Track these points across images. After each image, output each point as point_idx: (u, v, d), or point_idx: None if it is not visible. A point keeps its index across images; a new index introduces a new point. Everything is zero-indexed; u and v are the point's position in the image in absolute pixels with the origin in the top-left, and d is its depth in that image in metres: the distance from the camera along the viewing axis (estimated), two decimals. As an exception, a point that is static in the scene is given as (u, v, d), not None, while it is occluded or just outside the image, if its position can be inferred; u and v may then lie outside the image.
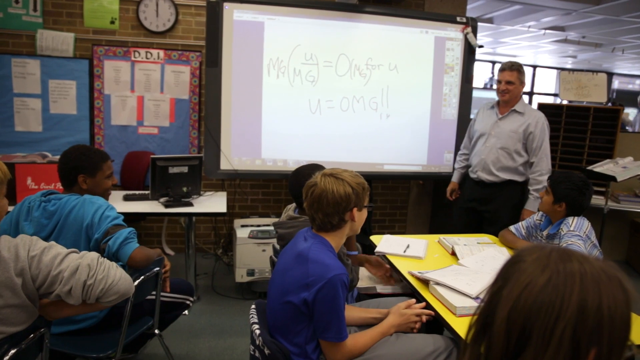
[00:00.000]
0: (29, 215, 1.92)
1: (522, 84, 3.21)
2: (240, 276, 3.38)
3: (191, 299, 2.29)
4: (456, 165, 3.63)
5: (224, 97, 3.64)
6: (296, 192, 2.10)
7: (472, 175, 3.38)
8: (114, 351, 1.88)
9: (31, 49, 3.87)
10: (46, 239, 1.70)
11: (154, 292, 2.05)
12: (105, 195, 2.08)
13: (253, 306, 1.77)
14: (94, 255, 1.50)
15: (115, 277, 1.47)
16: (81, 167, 2.00)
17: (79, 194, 1.98)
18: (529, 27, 7.34)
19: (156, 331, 2.07)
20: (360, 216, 1.70)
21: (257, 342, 1.62)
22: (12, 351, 1.36)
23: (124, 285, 1.50)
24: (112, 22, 3.95)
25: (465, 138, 3.60)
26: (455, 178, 3.61)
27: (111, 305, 1.52)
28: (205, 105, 3.71)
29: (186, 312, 2.30)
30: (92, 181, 2.02)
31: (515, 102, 3.21)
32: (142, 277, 1.86)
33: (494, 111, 3.31)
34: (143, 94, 4.02)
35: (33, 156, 3.17)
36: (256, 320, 1.69)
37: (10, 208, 1.97)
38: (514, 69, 3.16)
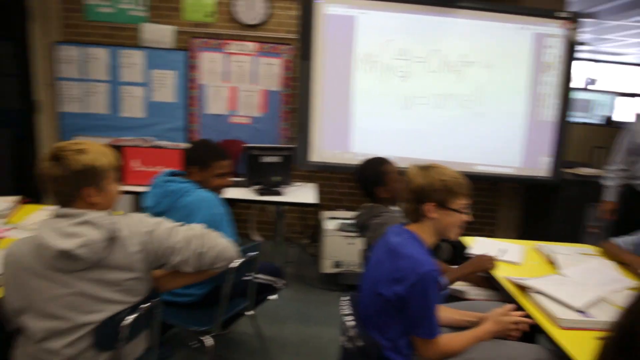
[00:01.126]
0: (151, 190, 2.11)
1: None
2: (327, 267, 3.43)
3: (281, 281, 2.37)
4: (611, 183, 3.28)
5: (315, 90, 3.70)
6: (360, 182, 2.33)
7: None
8: (212, 326, 2.01)
9: (136, 40, 4.14)
10: (158, 214, 1.83)
11: (247, 275, 2.13)
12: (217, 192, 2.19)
13: (345, 298, 1.78)
14: (201, 226, 1.63)
15: (223, 245, 1.61)
16: (194, 160, 2.15)
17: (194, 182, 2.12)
18: (638, 22, 6.75)
19: (252, 312, 2.16)
20: (444, 216, 1.62)
21: (350, 333, 1.63)
22: (131, 317, 1.48)
23: (231, 251, 1.64)
24: (209, 16, 4.13)
25: (620, 153, 3.23)
26: (612, 197, 3.27)
27: (219, 272, 1.65)
28: (298, 97, 3.79)
29: (276, 296, 2.37)
30: (202, 176, 2.15)
31: None
32: (241, 260, 1.94)
33: None
34: (236, 85, 4.18)
35: (137, 140, 3.40)
36: (349, 312, 1.71)
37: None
38: None
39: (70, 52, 4.08)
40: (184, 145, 3.95)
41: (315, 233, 4.33)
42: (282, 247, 3.27)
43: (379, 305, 1.60)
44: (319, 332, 2.85)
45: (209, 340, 2.03)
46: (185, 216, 1.93)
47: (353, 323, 1.64)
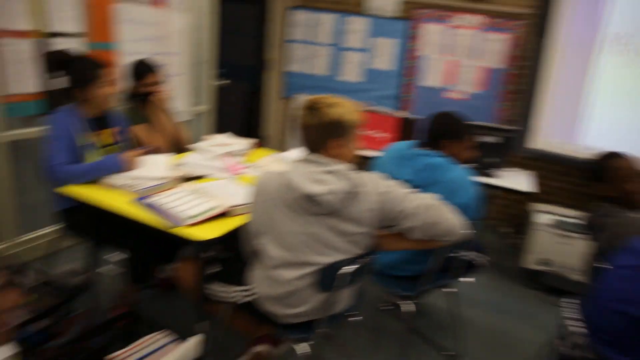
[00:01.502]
0: (403, 161, 2.11)
1: None
2: (530, 263, 3.15)
3: (485, 257, 2.26)
4: None
5: (547, 71, 3.37)
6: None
7: None
8: (414, 293, 2.05)
9: (361, 8, 4.26)
10: (418, 187, 1.81)
11: (456, 251, 2.08)
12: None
13: (572, 300, 1.61)
14: (434, 196, 1.62)
15: (454, 220, 1.60)
16: (450, 132, 2.12)
17: (447, 155, 2.11)
18: None
19: (453, 289, 2.12)
20: None
21: (575, 340, 1.47)
22: (351, 267, 1.56)
23: (459, 229, 1.61)
24: (436, -14, 4.02)
25: None
26: None
27: (441, 245, 1.64)
28: (526, 77, 3.51)
29: (473, 279, 2.28)
30: (457, 149, 2.12)
31: None
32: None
33: None
34: (456, 59, 4.02)
35: (354, 104, 3.53)
36: (575, 317, 1.54)
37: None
38: None
39: (300, 17, 4.42)
40: (398, 113, 3.97)
41: (521, 224, 4.00)
42: (485, 231, 3.09)
43: (624, 324, 1.40)
44: (512, 327, 2.67)
45: (409, 306, 2.06)
46: (450, 191, 1.90)
47: (580, 330, 1.47)
